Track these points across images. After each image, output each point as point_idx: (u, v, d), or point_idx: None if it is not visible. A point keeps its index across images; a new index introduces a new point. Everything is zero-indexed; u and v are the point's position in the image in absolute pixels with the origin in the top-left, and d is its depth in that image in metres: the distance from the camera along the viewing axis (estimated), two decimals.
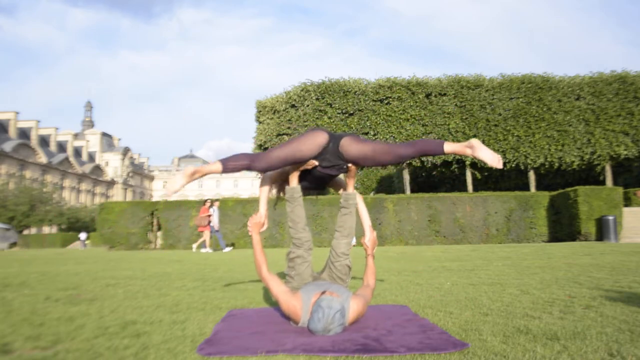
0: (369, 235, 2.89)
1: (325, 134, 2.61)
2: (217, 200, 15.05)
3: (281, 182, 2.94)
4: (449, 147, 2.47)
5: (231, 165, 2.58)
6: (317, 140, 2.59)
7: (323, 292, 2.34)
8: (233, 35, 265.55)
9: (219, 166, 2.57)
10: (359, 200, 2.92)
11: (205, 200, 14.51)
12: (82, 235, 36.25)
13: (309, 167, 2.69)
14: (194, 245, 14.30)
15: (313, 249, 2.85)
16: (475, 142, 2.47)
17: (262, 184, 2.90)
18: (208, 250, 13.46)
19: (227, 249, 14.03)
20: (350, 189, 2.84)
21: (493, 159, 2.50)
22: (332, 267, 2.71)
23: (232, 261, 8.43)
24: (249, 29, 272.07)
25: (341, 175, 2.89)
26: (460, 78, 21.05)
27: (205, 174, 2.61)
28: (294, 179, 2.77)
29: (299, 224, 2.74)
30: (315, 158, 2.63)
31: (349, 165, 2.68)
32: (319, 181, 2.85)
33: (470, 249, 10.82)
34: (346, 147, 2.60)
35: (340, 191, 2.98)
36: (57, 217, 46.05)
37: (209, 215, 13.80)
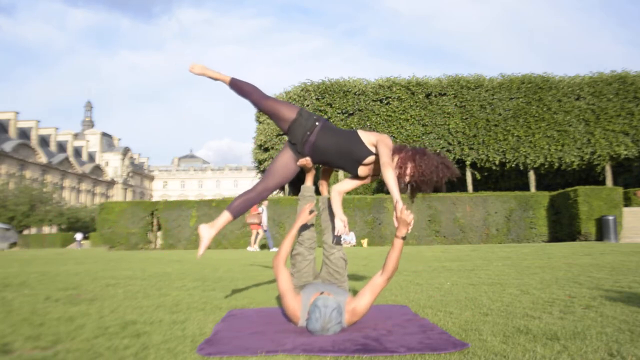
0: (397, 210, 2.29)
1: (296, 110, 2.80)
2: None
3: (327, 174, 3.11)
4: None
5: (238, 84, 2.94)
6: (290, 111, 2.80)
7: (321, 293, 2.35)
8: (233, 35, 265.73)
9: (227, 78, 2.96)
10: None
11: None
12: (78, 236, 36.31)
13: (309, 165, 2.80)
14: (255, 246, 13.92)
15: (316, 249, 2.87)
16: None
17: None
18: (255, 248, 13.30)
19: (275, 249, 13.84)
20: (309, 182, 3.03)
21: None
22: (328, 262, 2.76)
23: (232, 261, 8.43)
24: (249, 28, 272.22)
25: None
26: (460, 78, 21.05)
27: (214, 78, 3.01)
28: (309, 178, 3.00)
29: None
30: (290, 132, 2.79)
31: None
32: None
33: (470, 249, 10.82)
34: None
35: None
36: (57, 217, 46.05)
37: (259, 214, 13.56)
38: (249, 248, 13.66)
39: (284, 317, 2.65)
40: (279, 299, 3.03)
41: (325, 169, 3.05)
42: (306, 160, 2.75)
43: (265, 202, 14.25)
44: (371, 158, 2.60)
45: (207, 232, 2.86)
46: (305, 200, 2.97)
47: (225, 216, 2.85)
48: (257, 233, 13.65)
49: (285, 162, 2.81)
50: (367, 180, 2.75)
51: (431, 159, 2.52)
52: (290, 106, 2.84)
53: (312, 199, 2.95)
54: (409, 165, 2.50)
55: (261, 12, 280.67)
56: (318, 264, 2.84)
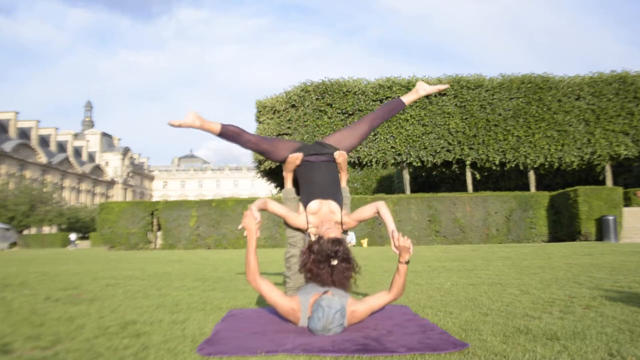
0: (394, 240, 2.49)
1: (299, 152, 2.83)
2: None
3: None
4: (406, 98, 3.15)
5: (229, 130, 2.80)
6: (290, 146, 2.88)
7: (325, 292, 2.34)
8: (232, 34, 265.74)
9: (218, 127, 2.77)
10: (383, 206, 2.77)
11: None
12: (72, 236, 36.44)
13: (298, 162, 2.83)
14: None
15: None
16: (418, 85, 3.16)
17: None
18: None
19: (352, 243, 13.79)
20: (343, 182, 3.01)
21: (430, 88, 3.16)
22: None
23: (232, 261, 8.43)
24: (248, 28, 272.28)
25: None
26: (460, 78, 21.05)
27: (204, 129, 2.75)
28: (288, 180, 2.94)
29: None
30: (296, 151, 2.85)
31: (337, 156, 2.86)
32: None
33: (470, 249, 10.82)
34: (343, 145, 2.90)
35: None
36: (57, 217, 46.04)
37: None
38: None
39: (283, 319, 2.65)
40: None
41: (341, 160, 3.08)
42: (297, 157, 2.80)
43: None
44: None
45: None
46: (289, 203, 2.90)
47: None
48: None
49: (288, 145, 2.91)
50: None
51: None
52: (287, 145, 2.91)
53: (295, 202, 2.90)
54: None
55: (260, 11, 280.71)
56: None
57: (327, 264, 2.41)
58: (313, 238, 2.61)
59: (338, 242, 2.46)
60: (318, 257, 2.42)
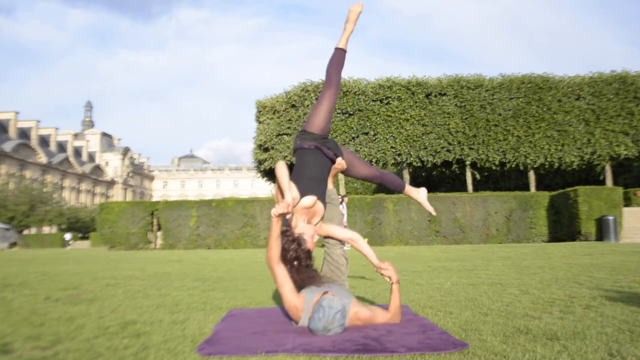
0: (381, 271, 2.53)
1: (315, 148, 2.73)
2: (346, 195, 14.09)
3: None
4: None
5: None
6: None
7: (325, 293, 2.34)
8: (232, 34, 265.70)
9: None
10: (360, 241, 2.74)
11: (339, 197, 13.90)
12: (67, 236, 36.56)
13: (343, 167, 2.84)
14: None
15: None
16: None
17: (281, 168, 2.62)
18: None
19: (347, 247, 13.77)
20: (330, 185, 2.98)
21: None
22: (329, 259, 2.78)
23: (232, 261, 8.43)
24: (248, 28, 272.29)
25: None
26: (460, 78, 21.05)
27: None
28: (329, 182, 2.94)
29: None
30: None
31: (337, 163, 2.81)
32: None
33: (470, 249, 10.82)
34: (316, 125, 2.77)
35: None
36: (57, 217, 46.04)
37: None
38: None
39: (285, 315, 2.65)
40: (279, 298, 3.03)
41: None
42: (341, 162, 2.81)
43: (346, 199, 13.78)
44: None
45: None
46: (333, 203, 2.92)
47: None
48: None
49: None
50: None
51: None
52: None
53: (337, 201, 2.98)
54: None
55: (260, 11, 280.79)
56: (318, 263, 2.83)
57: (291, 264, 2.48)
58: (296, 228, 2.61)
59: (304, 246, 2.51)
60: (288, 254, 2.48)
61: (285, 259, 2.47)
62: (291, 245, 2.49)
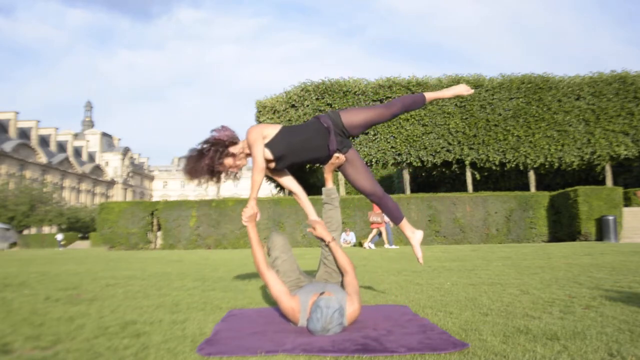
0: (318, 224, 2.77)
1: (327, 130, 2.68)
2: None
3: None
4: (430, 95, 2.98)
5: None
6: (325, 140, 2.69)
7: (322, 293, 2.34)
8: (231, 34, 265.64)
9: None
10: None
11: None
12: (59, 236, 36.51)
13: (341, 163, 2.78)
14: (371, 243, 13.57)
15: (310, 250, 2.88)
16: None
17: (257, 174, 2.70)
18: (370, 245, 13.09)
19: (393, 246, 13.51)
20: (330, 184, 2.98)
21: (464, 89, 3.06)
22: (326, 262, 2.76)
23: (232, 261, 8.43)
24: (248, 28, 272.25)
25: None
26: (460, 78, 21.03)
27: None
28: (329, 180, 2.95)
29: (331, 226, 2.90)
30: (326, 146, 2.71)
31: (335, 158, 2.75)
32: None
33: (470, 249, 10.82)
34: (351, 122, 2.73)
35: (323, 187, 3.09)
36: (57, 217, 46.03)
37: (382, 212, 13.36)
38: (366, 244, 13.44)
39: (283, 316, 2.65)
40: None
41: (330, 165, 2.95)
42: (339, 157, 2.76)
43: None
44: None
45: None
46: (334, 203, 2.94)
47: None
48: (381, 230, 13.41)
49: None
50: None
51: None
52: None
53: (338, 201, 2.96)
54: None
55: (259, 11, 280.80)
56: (315, 263, 2.84)
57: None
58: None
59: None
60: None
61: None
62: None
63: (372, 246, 13.26)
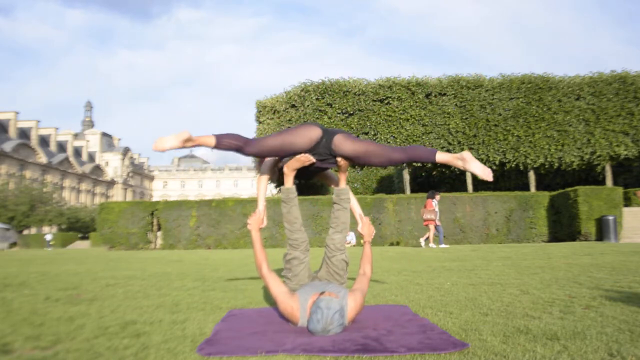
0: (363, 222, 2.95)
1: (319, 130, 2.62)
2: (437, 192, 13.57)
3: (279, 172, 2.93)
4: (441, 156, 2.55)
5: (225, 142, 2.53)
6: (310, 135, 2.59)
7: (322, 293, 2.33)
8: (231, 34, 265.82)
9: (212, 140, 2.51)
10: (349, 193, 2.93)
11: (434, 193, 13.22)
12: (48, 237, 36.47)
13: (307, 163, 2.68)
14: (422, 240, 13.33)
15: (311, 250, 2.87)
16: (467, 155, 2.55)
17: (260, 179, 2.89)
18: (433, 245, 12.78)
19: (444, 245, 13.13)
20: (343, 184, 2.86)
21: (484, 172, 2.56)
22: (329, 262, 2.73)
23: (232, 261, 8.43)
24: (247, 28, 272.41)
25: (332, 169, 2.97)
26: (460, 78, 21.04)
27: (197, 145, 2.54)
28: (289, 179, 2.77)
29: (295, 225, 2.77)
30: (307, 152, 2.63)
31: (339, 159, 2.69)
32: (307, 174, 2.88)
33: (470, 249, 10.82)
34: (339, 145, 2.62)
35: (333, 186, 3.03)
36: (57, 217, 46.04)
37: (434, 210, 12.83)
38: (422, 242, 13.21)
39: (283, 318, 2.65)
40: None
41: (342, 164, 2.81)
42: (307, 157, 2.65)
43: (438, 197, 13.34)
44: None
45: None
46: (292, 202, 2.78)
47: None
48: (436, 228, 13.03)
49: (308, 136, 2.60)
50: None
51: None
52: (295, 134, 2.60)
53: (296, 200, 2.84)
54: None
55: (259, 11, 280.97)
56: (317, 263, 2.83)
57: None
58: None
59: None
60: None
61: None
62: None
63: (433, 245, 12.75)
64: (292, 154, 2.64)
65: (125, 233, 18.24)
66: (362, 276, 2.70)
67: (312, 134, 2.59)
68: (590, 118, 20.38)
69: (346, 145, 2.61)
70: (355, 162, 2.69)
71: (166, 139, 2.48)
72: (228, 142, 2.53)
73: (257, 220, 2.73)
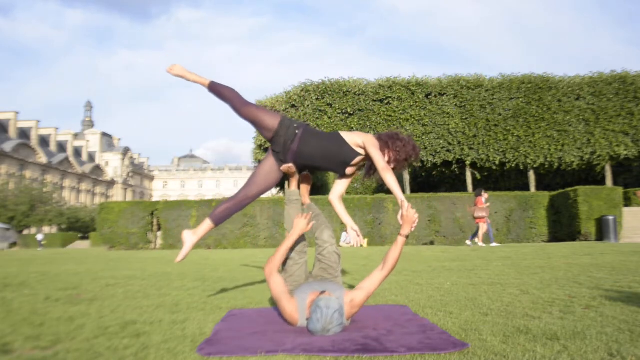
0: (403, 209, 2.48)
1: (279, 118, 2.81)
2: (484, 190, 13.28)
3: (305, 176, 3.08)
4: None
5: (218, 89, 2.90)
6: (272, 121, 2.80)
7: (322, 292, 2.33)
8: (231, 34, 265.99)
9: (206, 82, 2.91)
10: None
11: (481, 190, 13.01)
12: (39, 237, 36.44)
13: (292, 171, 2.83)
14: (477, 240, 12.94)
15: (308, 251, 2.86)
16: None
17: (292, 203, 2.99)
18: (482, 243, 12.58)
19: (495, 244, 12.98)
20: (293, 187, 3.01)
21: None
22: (321, 257, 2.75)
23: (232, 261, 8.43)
24: (247, 28, 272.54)
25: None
26: (460, 78, 21.04)
27: (192, 80, 2.97)
28: (293, 183, 2.95)
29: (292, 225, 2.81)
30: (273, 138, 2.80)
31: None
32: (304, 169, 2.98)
33: (470, 249, 10.82)
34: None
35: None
36: (57, 217, 46.04)
37: (487, 207, 12.67)
38: (469, 242, 13.02)
39: (282, 318, 2.65)
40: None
41: (305, 176, 3.04)
42: (289, 167, 2.78)
43: (486, 195, 13.06)
44: (358, 159, 2.74)
45: (189, 238, 3.00)
46: (292, 204, 2.96)
47: (207, 224, 3.00)
48: (486, 226, 12.74)
49: (268, 170, 2.86)
50: (354, 174, 2.91)
51: (405, 142, 2.87)
52: (272, 115, 2.83)
53: (298, 203, 2.97)
54: (386, 152, 2.74)
55: (259, 11, 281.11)
56: (310, 263, 2.83)
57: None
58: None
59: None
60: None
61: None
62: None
63: (482, 244, 12.55)
64: (260, 126, 2.86)
65: (125, 233, 18.25)
66: (379, 271, 2.47)
67: (274, 121, 2.80)
68: (590, 118, 20.39)
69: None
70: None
71: (178, 67, 3.01)
72: (220, 90, 2.91)
73: (303, 229, 2.66)
